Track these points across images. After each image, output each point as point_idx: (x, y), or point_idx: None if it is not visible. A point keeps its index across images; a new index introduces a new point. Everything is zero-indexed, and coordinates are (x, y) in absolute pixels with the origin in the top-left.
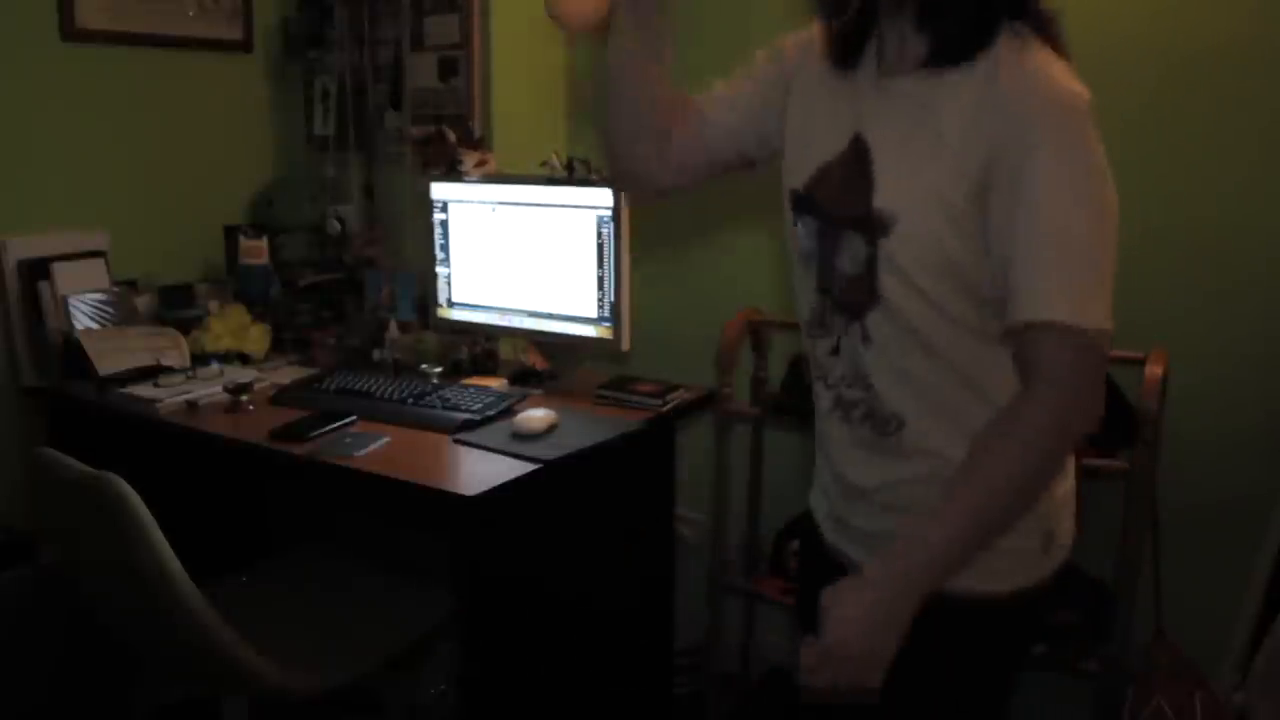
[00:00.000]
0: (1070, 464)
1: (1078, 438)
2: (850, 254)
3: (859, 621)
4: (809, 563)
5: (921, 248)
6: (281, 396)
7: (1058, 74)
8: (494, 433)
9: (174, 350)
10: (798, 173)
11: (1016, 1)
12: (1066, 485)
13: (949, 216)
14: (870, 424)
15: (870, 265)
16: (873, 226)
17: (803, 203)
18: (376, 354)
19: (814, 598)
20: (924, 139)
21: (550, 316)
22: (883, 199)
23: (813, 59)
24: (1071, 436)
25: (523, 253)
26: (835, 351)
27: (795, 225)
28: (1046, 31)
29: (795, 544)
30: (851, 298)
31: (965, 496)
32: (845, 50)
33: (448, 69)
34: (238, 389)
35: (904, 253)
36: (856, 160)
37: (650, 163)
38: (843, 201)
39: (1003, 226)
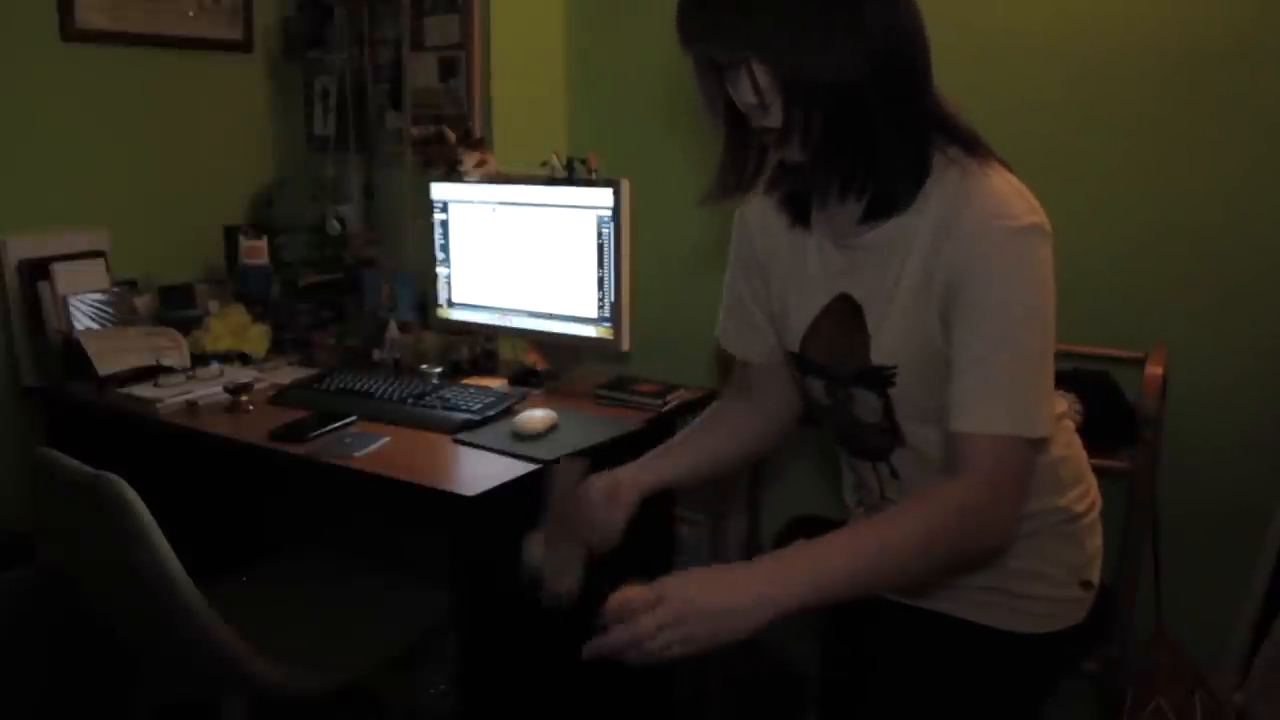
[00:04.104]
0: (1098, 520)
1: (984, 537)
2: (866, 406)
3: (705, 607)
4: None
5: (929, 388)
6: (281, 396)
7: (1002, 197)
8: (494, 433)
9: (174, 350)
10: (791, 334)
11: (943, 133)
12: (1097, 540)
13: (942, 356)
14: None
15: (888, 414)
16: (879, 380)
17: (804, 364)
18: (376, 354)
19: None
20: (899, 287)
21: (550, 316)
22: (879, 354)
23: (772, 217)
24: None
25: (523, 253)
26: (861, 482)
27: (804, 382)
28: (976, 150)
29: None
30: (875, 443)
31: (849, 559)
32: (794, 213)
33: (448, 69)
34: (238, 389)
35: (915, 396)
36: (849, 318)
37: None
38: (843, 360)
39: (958, 341)
